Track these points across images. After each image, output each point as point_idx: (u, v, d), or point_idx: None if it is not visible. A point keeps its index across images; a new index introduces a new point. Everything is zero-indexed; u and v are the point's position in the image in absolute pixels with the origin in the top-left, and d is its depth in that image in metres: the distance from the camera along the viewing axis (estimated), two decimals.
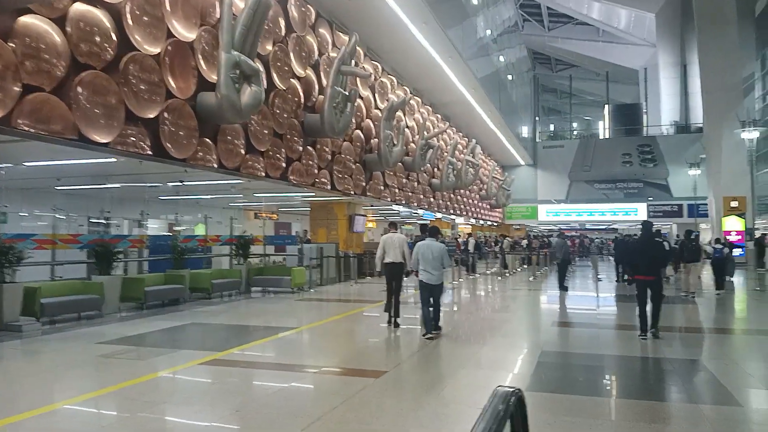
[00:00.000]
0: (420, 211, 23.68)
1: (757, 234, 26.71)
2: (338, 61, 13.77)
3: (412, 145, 20.73)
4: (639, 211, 39.42)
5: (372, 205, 20.79)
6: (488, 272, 22.74)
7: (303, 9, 13.59)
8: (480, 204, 34.52)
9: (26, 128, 6.95)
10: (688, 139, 39.10)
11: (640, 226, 8.97)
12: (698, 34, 28.39)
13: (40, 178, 12.40)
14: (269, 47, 12.14)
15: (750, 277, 21.35)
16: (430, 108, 23.73)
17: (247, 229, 17.66)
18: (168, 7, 9.24)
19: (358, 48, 16.03)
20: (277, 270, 15.08)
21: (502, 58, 32.35)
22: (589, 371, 6.36)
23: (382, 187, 18.75)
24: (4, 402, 5.04)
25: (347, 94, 14.07)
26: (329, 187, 15.09)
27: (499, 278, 20.34)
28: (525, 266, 25.99)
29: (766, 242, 24.60)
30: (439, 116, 25.06)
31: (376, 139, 17.40)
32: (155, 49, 8.99)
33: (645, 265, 8.15)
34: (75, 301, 9.72)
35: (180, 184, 12.89)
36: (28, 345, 7.83)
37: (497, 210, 40.51)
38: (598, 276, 19.84)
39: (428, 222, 27.62)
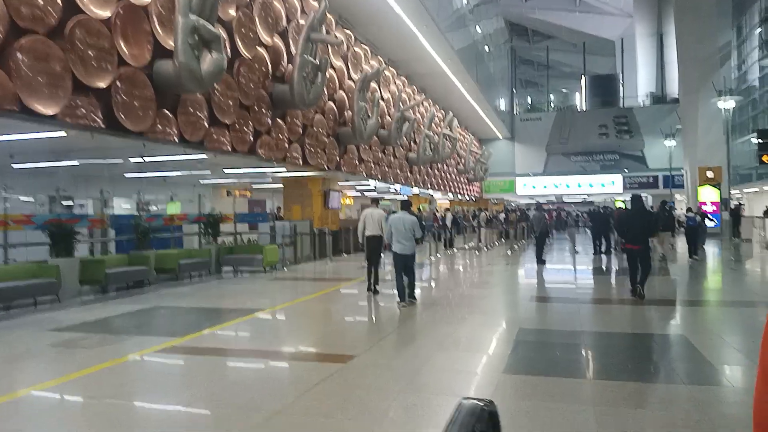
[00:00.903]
0: (396, 186, 23.23)
1: (733, 204, 26.84)
2: (307, 28, 13.13)
3: (388, 118, 20.19)
4: (615, 183, 39.53)
5: (347, 180, 20.26)
6: (466, 247, 22.48)
7: None
8: (458, 178, 34.18)
9: None
10: (664, 110, 39.09)
11: (629, 200, 9.74)
12: (675, 3, 28.08)
13: None
14: (232, 12, 11.46)
15: (725, 247, 21.43)
16: (405, 80, 23.13)
17: (219, 207, 17.04)
18: None
19: (329, 15, 15.37)
20: (249, 249, 14.55)
21: (479, 29, 31.73)
22: (569, 350, 6.05)
23: (357, 162, 18.24)
24: None
25: (317, 63, 13.46)
26: (300, 162, 14.54)
27: (477, 253, 20.09)
28: (503, 240, 25.82)
29: (742, 212, 24.71)
30: (415, 88, 24.48)
31: (350, 112, 16.84)
32: (105, 13, 8.31)
33: (634, 235, 8.92)
34: (28, 286, 9.12)
35: (142, 161, 12.22)
36: None
37: (475, 184, 40.25)
38: (575, 249, 19.72)
39: (406, 198, 27.24)
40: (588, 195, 43.46)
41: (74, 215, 11.74)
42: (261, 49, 12.62)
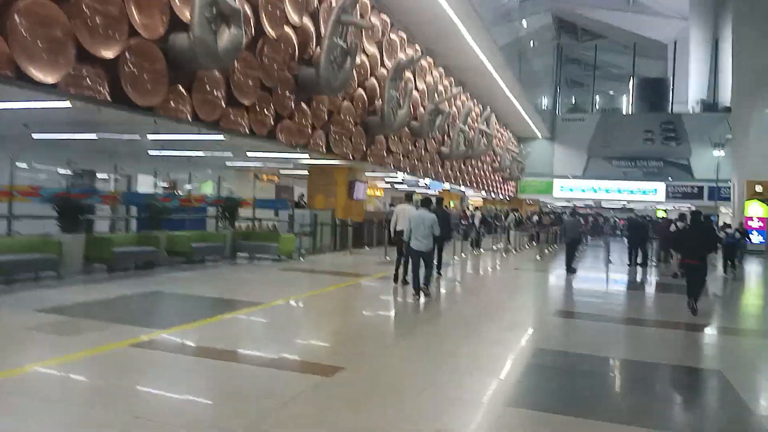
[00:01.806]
0: (426, 180, 22.49)
1: None
2: (338, 9, 12.51)
3: (421, 109, 19.46)
4: (658, 191, 37.94)
5: (374, 171, 19.63)
6: (494, 248, 21.62)
7: None
8: (492, 176, 33.20)
9: None
10: (715, 118, 37.12)
11: (690, 216, 9.95)
12: (733, 9, 26.49)
13: (6, 123, 11.42)
14: None
15: None
16: (442, 71, 22.28)
17: (245, 191, 16.59)
18: None
19: None
20: (265, 236, 14.08)
21: (525, 25, 30.66)
22: (592, 380, 5.31)
23: (385, 153, 17.58)
24: None
25: (347, 47, 12.83)
26: (324, 149, 13.98)
27: (504, 255, 19.25)
28: (534, 243, 24.87)
29: None
30: (452, 80, 23.61)
31: (380, 101, 16.18)
32: None
33: (692, 249, 8.94)
34: (28, 260, 8.82)
35: (157, 138, 11.82)
36: None
37: (510, 183, 39.16)
38: (609, 259, 18.68)
39: (436, 193, 26.49)
40: (628, 202, 41.78)
41: (86, 190, 11.41)
42: (288, 29, 12.06)
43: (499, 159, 32.83)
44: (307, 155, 14.92)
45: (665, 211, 41.64)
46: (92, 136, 12.38)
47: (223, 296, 8.82)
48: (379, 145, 17.06)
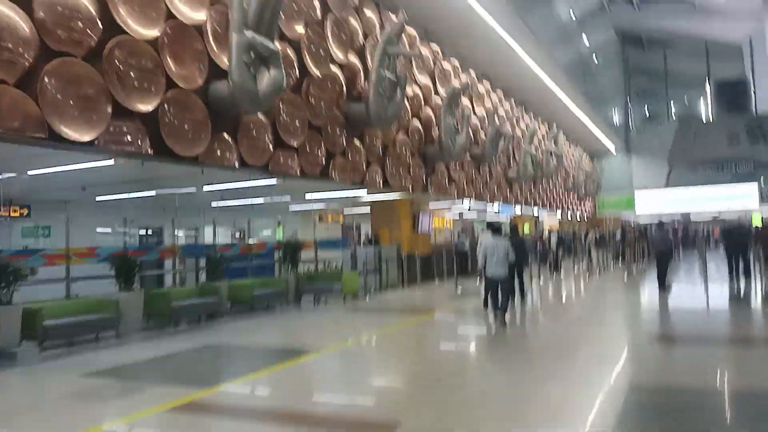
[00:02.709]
0: (494, 206, 21.54)
1: None
2: (383, 41, 12.18)
3: (482, 134, 18.73)
4: (750, 194, 34.99)
5: (438, 200, 18.95)
6: (575, 270, 20.21)
7: None
8: (566, 195, 31.65)
9: None
10: None
11: None
12: None
13: (64, 189, 11.72)
14: (300, 29, 10.74)
15: None
16: (501, 94, 21.52)
17: (309, 233, 16.38)
18: None
19: (412, 29, 14.46)
20: (327, 276, 13.67)
21: (587, 41, 29.63)
22: (702, 422, 4.33)
23: (447, 182, 16.91)
24: None
25: (395, 78, 12.42)
26: (380, 184, 13.51)
27: (587, 278, 17.89)
28: (620, 262, 23.15)
29: None
30: (513, 101, 22.78)
31: (437, 129, 15.63)
32: (150, 33, 7.80)
33: None
34: (85, 323, 8.72)
35: (217, 189, 11.78)
36: (4, 377, 6.81)
37: (587, 202, 37.28)
38: (706, 271, 16.87)
39: (505, 220, 25.43)
40: (719, 213, 38.68)
41: (142, 247, 11.44)
42: (334, 67, 11.83)
43: (572, 178, 31.34)
44: (364, 191, 14.51)
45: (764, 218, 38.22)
46: (151, 192, 12.52)
47: (277, 345, 8.36)
48: (439, 175, 16.44)
